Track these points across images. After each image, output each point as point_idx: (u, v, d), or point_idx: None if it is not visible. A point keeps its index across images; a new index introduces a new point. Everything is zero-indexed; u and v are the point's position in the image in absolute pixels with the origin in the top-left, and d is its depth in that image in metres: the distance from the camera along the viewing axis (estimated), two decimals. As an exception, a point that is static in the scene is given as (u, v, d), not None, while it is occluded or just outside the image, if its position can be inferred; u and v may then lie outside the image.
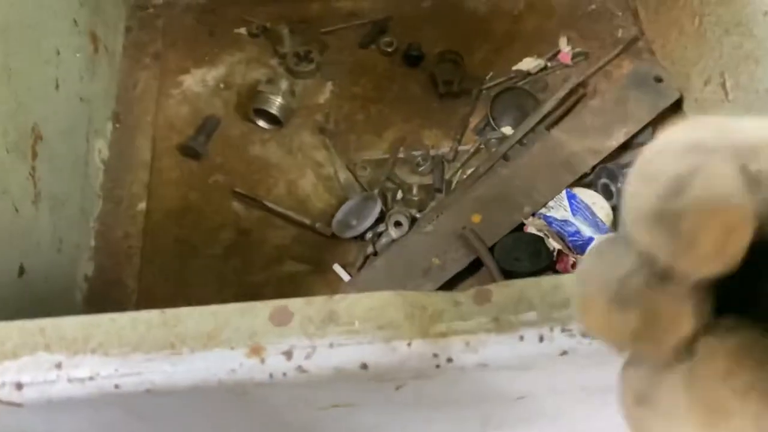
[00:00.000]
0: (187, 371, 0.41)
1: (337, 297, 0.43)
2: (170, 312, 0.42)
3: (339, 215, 0.99)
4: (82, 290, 0.91)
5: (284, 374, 0.41)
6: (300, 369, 0.41)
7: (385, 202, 1.00)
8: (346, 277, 0.95)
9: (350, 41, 1.18)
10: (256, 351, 0.41)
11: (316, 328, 0.42)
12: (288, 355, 0.41)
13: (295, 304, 0.43)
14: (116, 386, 0.40)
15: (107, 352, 0.41)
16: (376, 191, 1.00)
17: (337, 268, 0.95)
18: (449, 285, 0.91)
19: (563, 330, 0.41)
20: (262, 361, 0.41)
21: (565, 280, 0.44)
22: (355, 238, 0.97)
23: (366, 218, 0.96)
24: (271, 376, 0.41)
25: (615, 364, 0.20)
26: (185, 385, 0.41)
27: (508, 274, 0.89)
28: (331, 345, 0.41)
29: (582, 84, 1.11)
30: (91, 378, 0.40)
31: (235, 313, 0.42)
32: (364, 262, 0.96)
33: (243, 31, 1.20)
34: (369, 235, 0.97)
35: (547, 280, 0.44)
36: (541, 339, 0.41)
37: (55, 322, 0.42)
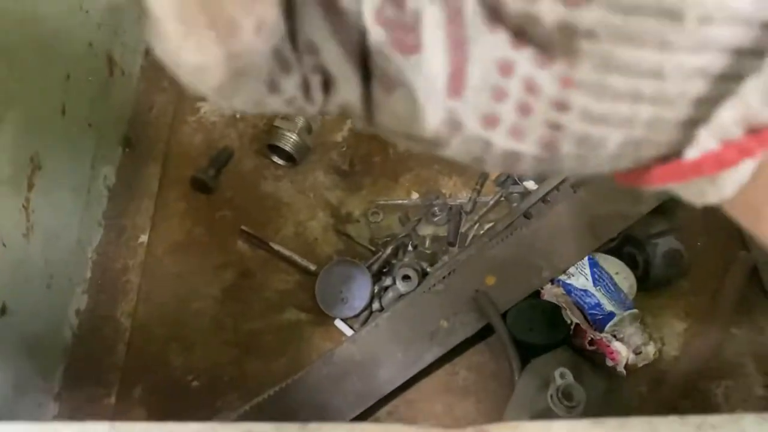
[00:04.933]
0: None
1: None
2: None
3: (321, 284, 0.92)
4: (72, 326, 0.87)
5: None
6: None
7: (395, 253, 0.95)
8: (348, 331, 0.90)
9: (374, 78, 1.13)
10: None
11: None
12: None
13: None
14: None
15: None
16: (363, 263, 0.93)
17: (338, 323, 0.90)
18: (457, 350, 0.85)
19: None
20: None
21: None
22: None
23: (356, 296, 0.91)
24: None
25: None
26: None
27: (521, 344, 0.83)
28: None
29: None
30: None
31: None
32: (369, 317, 0.91)
33: (265, 59, 1.16)
34: (375, 288, 0.92)
35: None
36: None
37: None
